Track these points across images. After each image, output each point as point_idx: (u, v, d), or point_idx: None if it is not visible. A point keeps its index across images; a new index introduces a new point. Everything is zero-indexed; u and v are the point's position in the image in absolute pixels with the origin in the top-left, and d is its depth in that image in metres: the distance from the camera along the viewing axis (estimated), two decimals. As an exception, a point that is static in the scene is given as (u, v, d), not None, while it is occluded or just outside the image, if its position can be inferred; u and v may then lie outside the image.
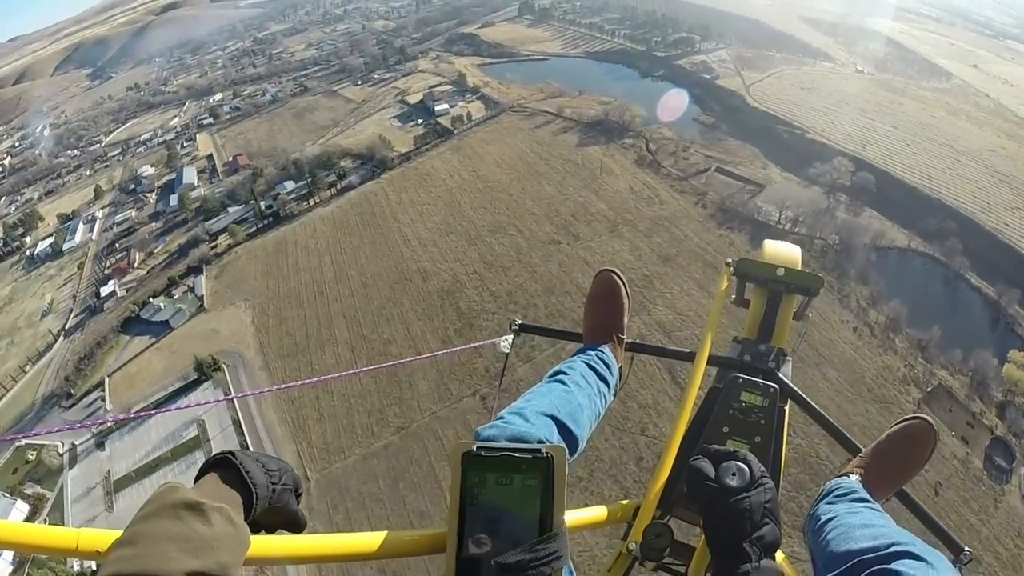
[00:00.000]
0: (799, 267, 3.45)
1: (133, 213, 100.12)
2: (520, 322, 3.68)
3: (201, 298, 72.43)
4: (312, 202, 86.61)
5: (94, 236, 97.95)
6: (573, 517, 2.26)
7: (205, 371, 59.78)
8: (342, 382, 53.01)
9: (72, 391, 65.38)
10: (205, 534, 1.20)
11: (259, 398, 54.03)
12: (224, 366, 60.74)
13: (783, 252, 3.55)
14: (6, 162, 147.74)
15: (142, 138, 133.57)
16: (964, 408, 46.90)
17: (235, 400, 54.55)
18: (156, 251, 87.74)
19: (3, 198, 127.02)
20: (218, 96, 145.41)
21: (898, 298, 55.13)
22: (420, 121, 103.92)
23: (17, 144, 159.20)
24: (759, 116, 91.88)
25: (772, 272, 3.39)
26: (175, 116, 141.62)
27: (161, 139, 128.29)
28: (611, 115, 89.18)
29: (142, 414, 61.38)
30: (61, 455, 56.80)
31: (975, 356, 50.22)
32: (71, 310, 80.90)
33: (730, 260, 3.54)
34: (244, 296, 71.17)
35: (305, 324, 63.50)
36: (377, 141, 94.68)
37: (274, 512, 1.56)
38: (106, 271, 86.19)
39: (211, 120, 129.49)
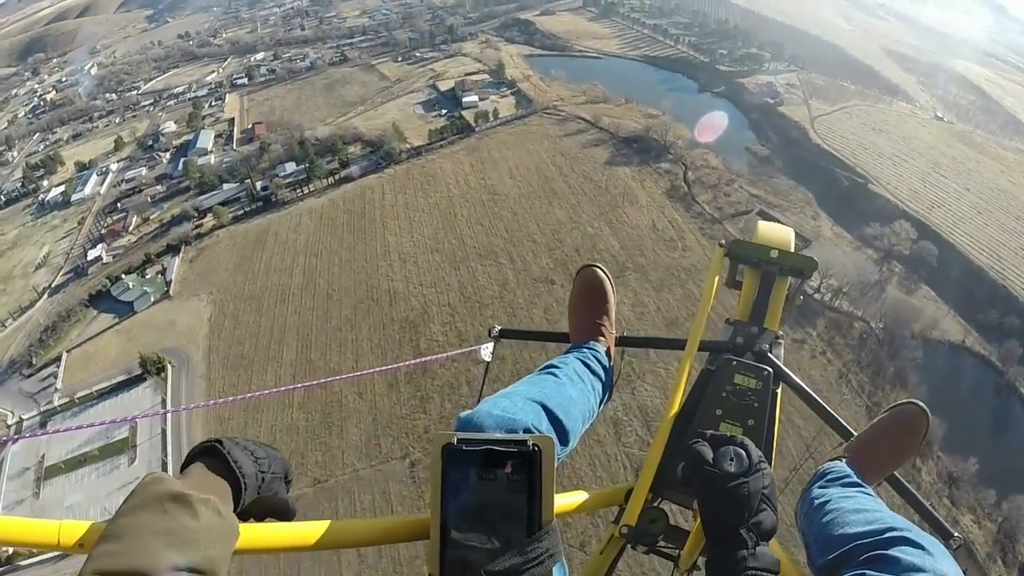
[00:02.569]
0: (792, 249, 3.34)
1: (143, 171, 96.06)
2: (500, 327, 3.52)
3: (169, 283, 68.44)
4: (306, 190, 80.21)
5: (102, 191, 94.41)
6: (563, 502, 2.32)
7: (148, 369, 56.46)
8: (274, 412, 49.44)
9: (33, 360, 63.49)
10: (192, 527, 1.16)
11: (189, 412, 49.70)
12: (169, 366, 57.22)
13: (776, 234, 3.47)
14: (49, 96, 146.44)
15: (176, 90, 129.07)
16: (981, 572, 38.31)
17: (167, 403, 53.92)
18: (152, 217, 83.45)
19: (36, 134, 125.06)
20: (260, 56, 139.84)
21: (938, 411, 45.98)
22: (444, 112, 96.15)
23: (63, 79, 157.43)
24: (820, 155, 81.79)
25: (766, 254, 3.30)
26: (213, 71, 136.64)
27: (193, 94, 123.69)
28: (652, 132, 80.00)
29: (62, 431, 56.93)
30: (9, 427, 55.82)
31: (1010, 501, 41.74)
32: (61, 267, 78.67)
33: (723, 241, 3.44)
34: (210, 289, 66.32)
35: (258, 334, 58.02)
36: (390, 130, 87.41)
37: (263, 501, 1.54)
38: (102, 231, 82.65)
39: (245, 81, 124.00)
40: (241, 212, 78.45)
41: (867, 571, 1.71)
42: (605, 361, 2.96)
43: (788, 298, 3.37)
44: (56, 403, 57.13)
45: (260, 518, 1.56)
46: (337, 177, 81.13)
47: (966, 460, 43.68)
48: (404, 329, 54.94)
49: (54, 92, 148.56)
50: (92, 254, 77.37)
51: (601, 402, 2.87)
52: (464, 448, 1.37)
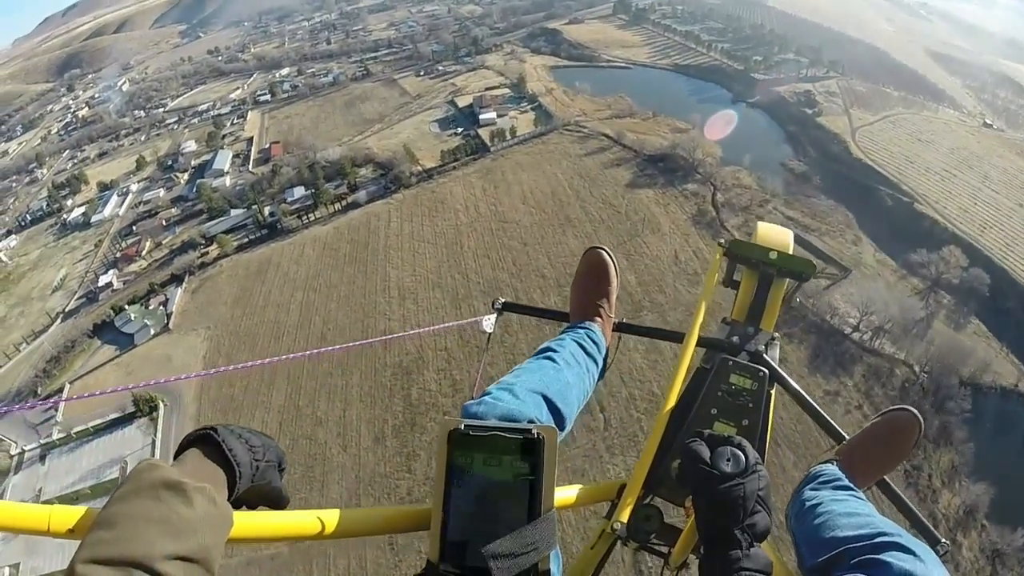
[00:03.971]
0: (791, 251, 3.31)
1: (161, 193, 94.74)
2: (503, 300, 3.57)
3: (170, 316, 66.46)
4: (312, 216, 77.06)
5: (121, 212, 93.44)
6: (555, 496, 2.06)
7: (140, 408, 55.09)
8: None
9: (38, 390, 63.05)
10: (186, 516, 1.17)
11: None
12: (162, 404, 55.64)
13: (776, 235, 3.43)
14: (81, 113, 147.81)
15: (201, 108, 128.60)
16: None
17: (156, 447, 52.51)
18: (164, 242, 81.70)
19: (66, 152, 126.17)
20: (284, 71, 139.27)
21: (984, 473, 40.63)
22: (460, 130, 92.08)
23: (97, 95, 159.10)
24: (862, 171, 75.85)
25: (765, 255, 3.28)
26: (238, 88, 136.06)
27: (217, 112, 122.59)
28: (679, 149, 74.62)
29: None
30: (12, 457, 55.59)
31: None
32: (75, 292, 77.87)
33: (722, 241, 3.41)
34: (207, 323, 63.85)
35: (249, 375, 54.79)
36: (401, 151, 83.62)
37: (257, 489, 1.55)
38: (116, 255, 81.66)
39: (268, 97, 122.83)
40: (246, 240, 75.94)
41: (858, 575, 1.72)
42: (601, 343, 2.98)
43: (785, 300, 3.34)
44: (55, 436, 56.09)
45: (254, 506, 1.57)
46: (344, 203, 77.87)
47: (1013, 531, 38.10)
48: (396, 376, 51.22)
49: (86, 109, 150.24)
50: (103, 280, 76.33)
51: (595, 382, 2.89)
52: (471, 433, 1.41)
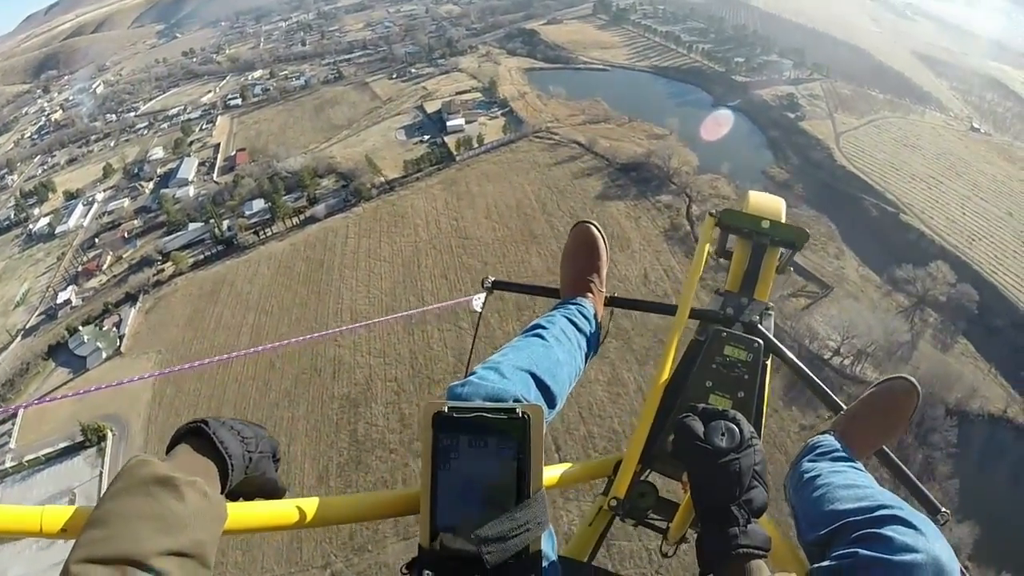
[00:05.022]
0: (783, 219, 3.20)
1: (126, 203, 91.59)
2: (493, 279, 3.44)
3: (122, 338, 63.53)
4: (270, 232, 73.74)
5: (86, 223, 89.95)
6: (553, 474, 2.37)
7: (88, 437, 52.65)
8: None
9: None
10: (178, 511, 1.17)
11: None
12: (110, 434, 53.07)
13: (768, 204, 3.31)
14: (55, 116, 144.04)
15: (172, 112, 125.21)
16: None
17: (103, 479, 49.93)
18: (124, 256, 78.44)
19: (37, 157, 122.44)
20: (257, 73, 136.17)
21: (969, 511, 37.57)
22: (427, 137, 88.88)
23: (71, 98, 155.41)
24: (846, 178, 73.07)
25: (757, 224, 3.15)
26: (210, 91, 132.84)
27: (187, 116, 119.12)
28: (654, 157, 71.68)
29: None
30: None
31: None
32: (36, 308, 74.94)
33: (714, 211, 3.26)
34: (159, 347, 60.80)
35: (197, 404, 52.25)
36: (363, 162, 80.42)
37: (252, 481, 1.55)
38: (78, 269, 78.39)
39: (239, 101, 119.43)
40: (202, 257, 72.75)
41: (858, 549, 1.67)
42: (592, 318, 2.92)
43: (779, 269, 3.27)
44: (8, 464, 53.75)
45: (249, 498, 1.56)
46: (302, 217, 74.69)
47: (998, 574, 35.33)
48: (344, 408, 48.28)
49: (60, 112, 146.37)
50: (62, 296, 73.29)
51: (587, 358, 2.84)
52: (455, 416, 1.39)
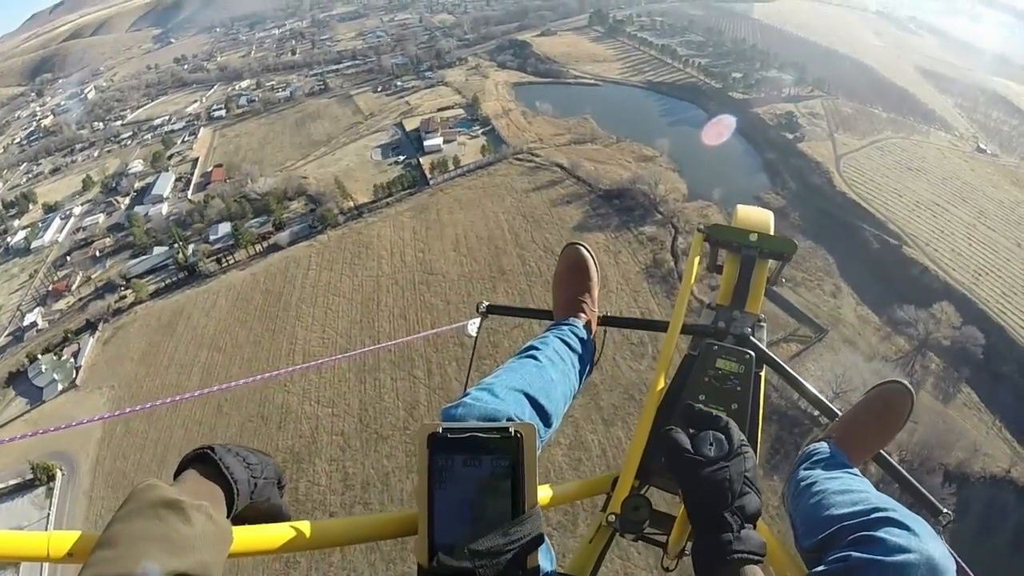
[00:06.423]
0: (772, 232, 3.30)
1: (101, 219, 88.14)
2: (487, 303, 3.54)
3: (78, 369, 60.62)
4: (232, 259, 70.22)
5: (61, 238, 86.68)
6: (551, 493, 2.38)
7: (38, 476, 50.04)
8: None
9: None
10: (185, 533, 1.20)
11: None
12: (59, 473, 50.17)
13: (756, 217, 3.43)
14: (45, 121, 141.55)
15: (156, 122, 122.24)
16: None
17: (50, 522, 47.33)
18: (93, 277, 75.09)
19: (23, 164, 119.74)
20: (244, 83, 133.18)
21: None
22: (403, 157, 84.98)
23: (62, 103, 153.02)
24: (845, 207, 68.49)
25: (745, 237, 3.26)
26: (196, 100, 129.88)
27: (170, 127, 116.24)
28: (639, 184, 67.52)
29: None
30: None
31: None
32: (5, 328, 71.54)
33: (702, 226, 3.38)
34: (112, 382, 57.73)
35: (144, 447, 49.24)
36: (333, 185, 76.80)
37: (257, 507, 1.59)
38: (48, 288, 75.34)
39: (223, 113, 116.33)
40: (163, 285, 69.50)
41: (852, 552, 1.69)
42: (586, 338, 2.95)
43: (770, 280, 3.36)
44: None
45: (255, 523, 1.58)
46: (266, 244, 71.19)
47: None
48: (287, 462, 44.59)
49: (51, 117, 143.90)
50: (29, 318, 70.30)
51: (583, 378, 2.88)
52: (449, 436, 1.42)
